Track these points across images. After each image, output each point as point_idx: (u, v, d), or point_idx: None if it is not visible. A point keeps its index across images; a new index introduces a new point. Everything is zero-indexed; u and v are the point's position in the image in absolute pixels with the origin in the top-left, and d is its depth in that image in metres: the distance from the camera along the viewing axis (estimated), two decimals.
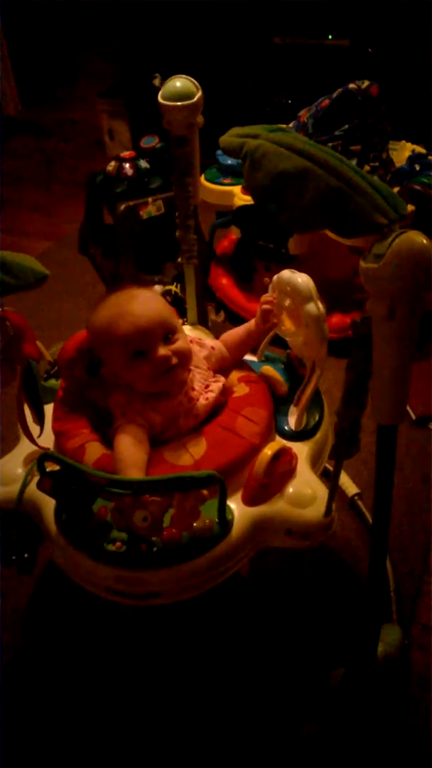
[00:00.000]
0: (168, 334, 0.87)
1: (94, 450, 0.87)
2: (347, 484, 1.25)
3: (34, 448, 0.92)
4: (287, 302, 0.93)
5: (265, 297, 0.97)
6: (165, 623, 1.04)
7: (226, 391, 0.95)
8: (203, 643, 1.04)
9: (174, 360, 0.86)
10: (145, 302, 0.88)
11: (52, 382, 0.98)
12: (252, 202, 1.59)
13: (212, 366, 0.97)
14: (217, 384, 0.94)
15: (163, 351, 0.86)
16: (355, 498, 1.23)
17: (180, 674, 1.01)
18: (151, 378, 0.86)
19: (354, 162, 1.53)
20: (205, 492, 0.74)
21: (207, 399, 0.92)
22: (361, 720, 0.91)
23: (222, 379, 0.96)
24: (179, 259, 1.18)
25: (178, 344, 0.88)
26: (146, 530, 0.74)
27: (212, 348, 0.99)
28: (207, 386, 0.94)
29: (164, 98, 1.00)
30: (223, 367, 0.99)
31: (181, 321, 1.19)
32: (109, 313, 0.87)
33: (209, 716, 0.96)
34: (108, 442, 0.87)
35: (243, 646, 1.04)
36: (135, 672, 1.01)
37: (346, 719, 0.91)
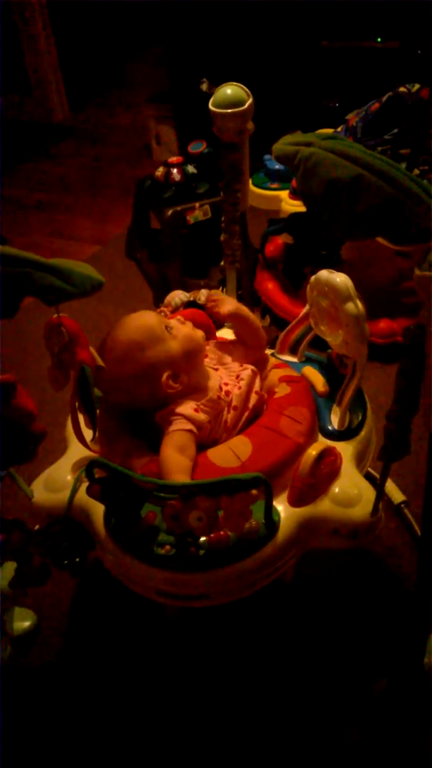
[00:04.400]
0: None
1: (141, 455, 0.88)
2: (393, 491, 1.23)
3: (82, 455, 0.94)
4: (326, 303, 0.92)
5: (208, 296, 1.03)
6: (209, 627, 1.04)
7: (260, 382, 0.98)
8: (245, 648, 1.04)
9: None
10: (131, 320, 0.96)
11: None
12: (303, 209, 1.58)
13: (238, 359, 1.01)
14: (245, 372, 0.97)
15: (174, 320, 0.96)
16: (402, 506, 1.22)
17: (222, 678, 1.01)
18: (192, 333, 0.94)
19: (403, 166, 1.51)
20: (254, 491, 0.75)
21: (240, 388, 0.94)
22: (405, 730, 0.90)
23: (249, 366, 0.98)
24: (221, 263, 1.19)
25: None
26: (203, 529, 0.75)
27: (231, 344, 1.04)
28: (237, 376, 0.96)
29: (215, 105, 1.01)
30: (254, 359, 1.02)
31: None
32: (133, 360, 0.91)
33: (251, 721, 0.96)
34: (153, 447, 0.88)
35: (286, 651, 1.03)
36: (177, 675, 1.02)
37: (390, 729, 0.91)
